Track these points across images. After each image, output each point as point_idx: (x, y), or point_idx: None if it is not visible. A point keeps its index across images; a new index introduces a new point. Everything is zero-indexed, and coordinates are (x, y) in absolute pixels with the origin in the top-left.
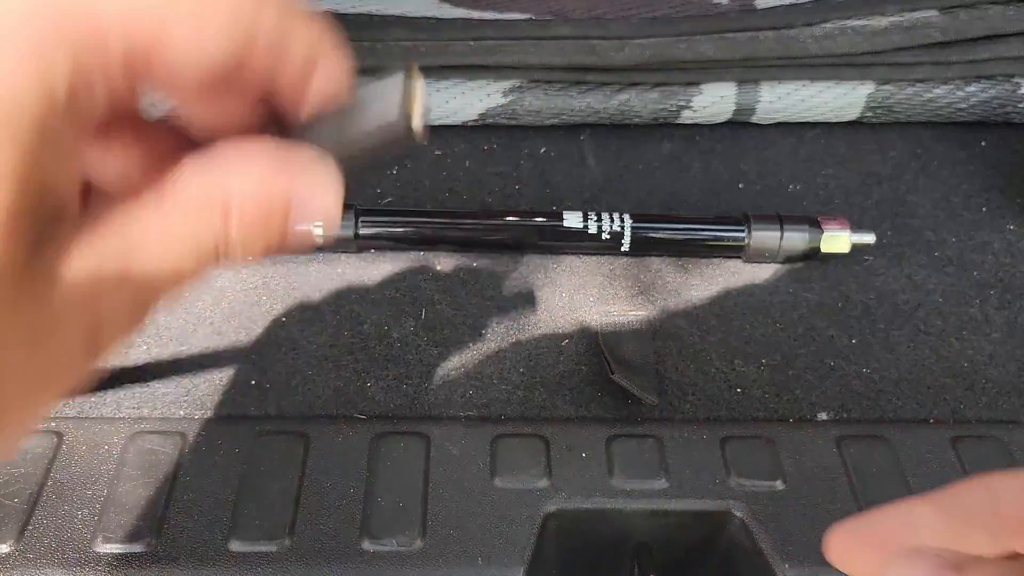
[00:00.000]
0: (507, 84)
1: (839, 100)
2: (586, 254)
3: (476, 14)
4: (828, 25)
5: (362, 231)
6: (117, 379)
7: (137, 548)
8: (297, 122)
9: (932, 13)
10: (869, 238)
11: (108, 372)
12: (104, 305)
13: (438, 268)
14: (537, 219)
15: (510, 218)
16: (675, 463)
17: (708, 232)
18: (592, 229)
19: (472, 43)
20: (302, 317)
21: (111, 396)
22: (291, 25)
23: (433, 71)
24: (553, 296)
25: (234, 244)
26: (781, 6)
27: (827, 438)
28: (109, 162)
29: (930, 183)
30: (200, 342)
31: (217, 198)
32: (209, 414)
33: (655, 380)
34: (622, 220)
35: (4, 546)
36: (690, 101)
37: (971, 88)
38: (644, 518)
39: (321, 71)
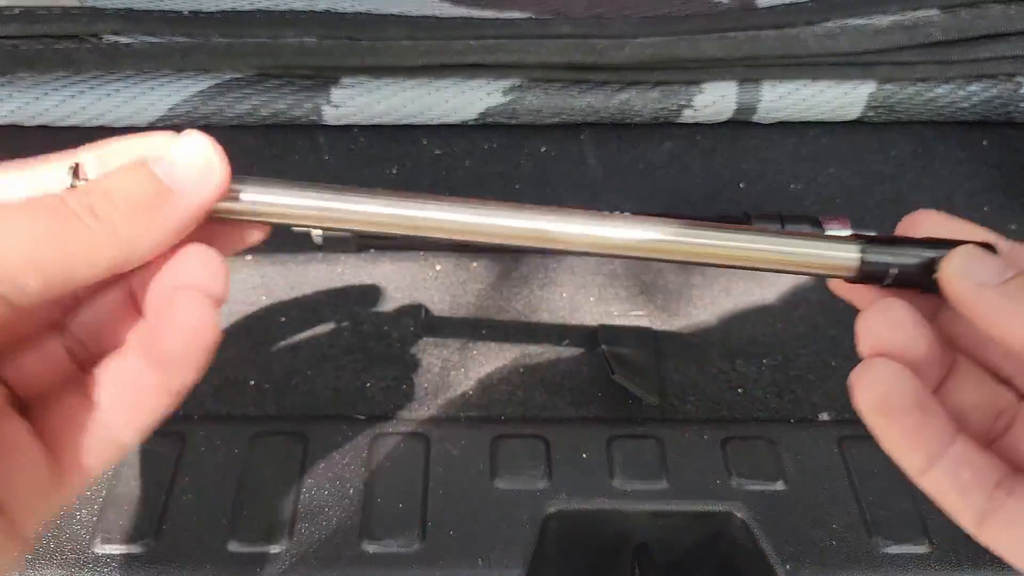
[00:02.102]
0: (507, 83)
1: (840, 99)
2: (586, 254)
3: (476, 13)
4: (829, 24)
5: None
6: None
7: (136, 549)
8: None
9: (933, 12)
10: None
11: None
12: None
13: (438, 268)
14: None
15: None
16: (676, 464)
17: None
18: None
19: (472, 42)
20: (301, 317)
21: None
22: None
23: (433, 70)
24: (553, 296)
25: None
26: (782, 5)
27: (829, 438)
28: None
29: (932, 182)
30: None
31: None
32: (208, 415)
33: (656, 380)
34: None
35: None
36: (691, 100)
37: (973, 87)
38: (645, 519)
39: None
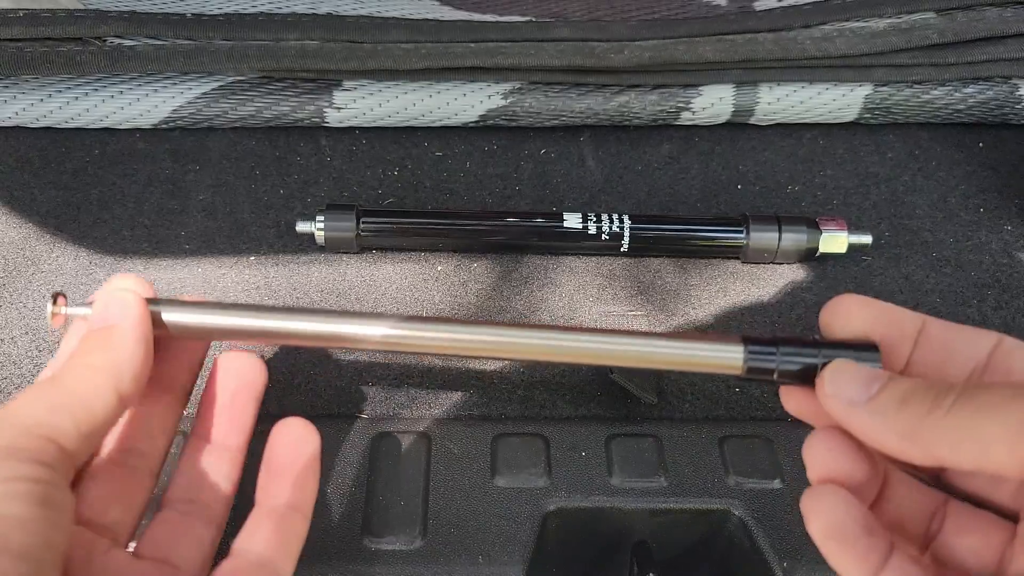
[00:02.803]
0: (507, 86)
1: (837, 101)
2: (586, 254)
3: (477, 16)
4: (826, 27)
5: (363, 232)
6: None
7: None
8: None
9: (930, 15)
10: (867, 239)
11: None
12: None
13: (438, 268)
14: (537, 220)
15: (510, 219)
16: (674, 462)
17: (707, 233)
18: (592, 230)
19: (473, 45)
20: None
21: None
22: None
23: (434, 73)
24: (553, 296)
25: None
26: (779, 8)
27: None
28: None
29: (928, 184)
30: None
31: None
32: None
33: (654, 380)
34: (621, 221)
35: None
36: (689, 102)
37: (969, 89)
38: (643, 517)
39: None
